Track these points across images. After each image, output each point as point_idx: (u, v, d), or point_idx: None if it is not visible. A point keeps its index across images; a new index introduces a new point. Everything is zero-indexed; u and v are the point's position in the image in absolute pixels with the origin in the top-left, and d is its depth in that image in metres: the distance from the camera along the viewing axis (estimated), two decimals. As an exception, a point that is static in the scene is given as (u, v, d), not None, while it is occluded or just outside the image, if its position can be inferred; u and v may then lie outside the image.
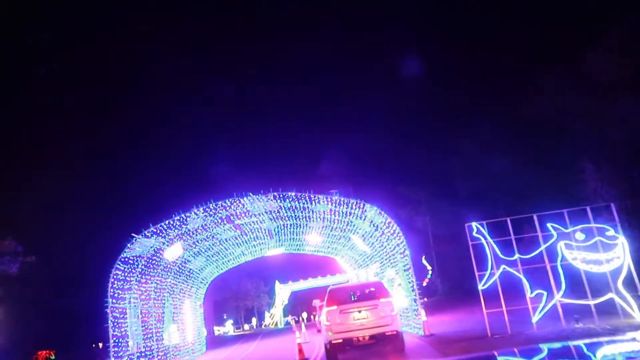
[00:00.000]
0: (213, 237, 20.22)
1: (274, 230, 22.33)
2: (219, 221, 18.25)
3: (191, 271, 23.60)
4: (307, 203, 17.50)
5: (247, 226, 20.49)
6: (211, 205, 16.32)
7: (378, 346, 11.67)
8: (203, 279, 27.08)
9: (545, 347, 3.73)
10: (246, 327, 70.83)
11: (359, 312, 11.31)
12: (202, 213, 16.76)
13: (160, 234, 16.67)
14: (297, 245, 27.11)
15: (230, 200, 16.45)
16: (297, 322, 50.16)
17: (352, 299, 12.29)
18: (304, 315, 55.11)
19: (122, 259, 15.92)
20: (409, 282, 16.15)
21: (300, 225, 21.74)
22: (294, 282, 62.51)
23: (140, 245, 16.30)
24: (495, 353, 3.56)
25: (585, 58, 25.47)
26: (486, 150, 32.14)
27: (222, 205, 16.63)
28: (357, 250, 24.95)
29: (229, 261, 26.81)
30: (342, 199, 16.74)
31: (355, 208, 17.22)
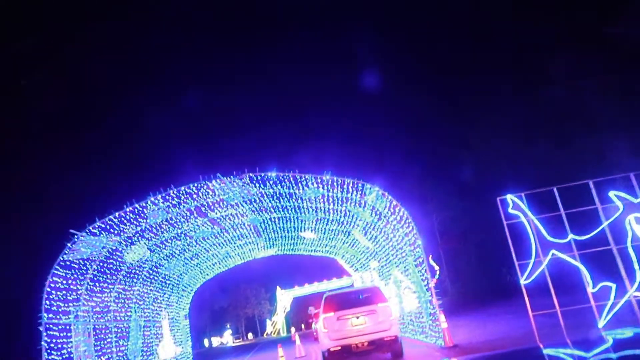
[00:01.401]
0: (185, 235, 17.00)
1: (260, 225, 19.08)
2: (187, 214, 15.02)
3: (167, 278, 20.37)
4: (293, 187, 14.27)
5: (225, 221, 17.26)
6: (172, 191, 13.09)
7: (376, 352, 11.57)
8: (185, 287, 23.84)
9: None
10: (250, 336, 67.55)
11: (357, 318, 11.18)
12: (163, 203, 13.54)
13: (112, 230, 13.46)
14: (290, 244, 23.86)
15: (196, 184, 13.22)
16: (298, 331, 46.82)
17: (349, 305, 11.78)
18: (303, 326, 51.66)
19: (62, 263, 12.69)
20: (422, 280, 12.87)
21: (289, 218, 18.49)
22: (297, 287, 59.30)
23: (85, 244, 13.08)
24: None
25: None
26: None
27: (186, 192, 13.40)
28: (359, 248, 21.68)
29: (213, 265, 23.58)
30: (336, 180, 13.49)
31: (353, 191, 13.97)
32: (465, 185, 32.93)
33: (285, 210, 17.10)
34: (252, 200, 15.44)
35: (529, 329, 9.25)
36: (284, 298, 59.80)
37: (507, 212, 9.53)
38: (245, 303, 62.82)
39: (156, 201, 13.29)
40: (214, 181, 13.16)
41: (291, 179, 13.55)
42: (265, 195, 15.05)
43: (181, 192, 13.34)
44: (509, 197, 9.62)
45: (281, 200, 15.49)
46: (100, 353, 14.30)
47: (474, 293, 32.28)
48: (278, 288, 60.10)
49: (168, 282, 20.79)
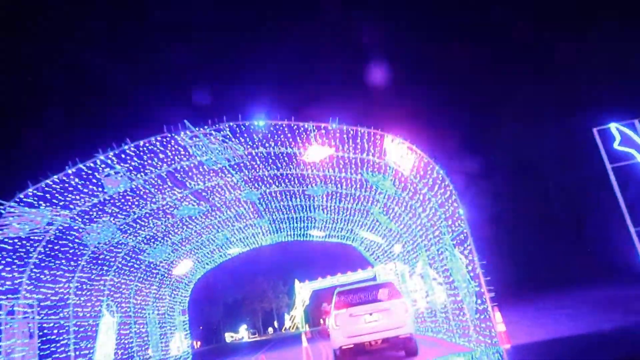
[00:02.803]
0: (165, 212, 13.84)
1: (260, 203, 15.81)
2: (159, 182, 11.82)
3: (153, 266, 17.32)
4: (290, 145, 10.90)
5: (214, 195, 14.04)
6: (127, 148, 9.84)
7: (389, 350, 11.28)
8: (181, 278, 20.82)
9: None
10: (270, 330, 64.91)
11: (370, 314, 10.74)
12: (119, 165, 10.33)
13: (55, 201, 10.34)
14: (300, 229, 20.58)
15: (159, 138, 9.93)
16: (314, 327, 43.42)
17: (362, 301, 11.20)
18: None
19: (-15, 242, 9.64)
20: (467, 264, 9.37)
21: (294, 193, 15.17)
22: (317, 279, 56.13)
23: (19, 219, 10.00)
24: None
25: None
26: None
27: (148, 150, 10.14)
28: (380, 231, 18.24)
29: (211, 253, 20.48)
30: (346, 130, 10.04)
31: (370, 146, 10.49)
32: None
33: (286, 181, 13.76)
34: (242, 165, 12.13)
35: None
36: (303, 291, 56.79)
37: (613, 148, 5.97)
38: (262, 296, 59.94)
39: (109, 161, 10.08)
40: (182, 134, 9.87)
41: (286, 130, 10.16)
42: (257, 157, 11.71)
43: (141, 150, 10.10)
44: (614, 127, 6.04)
45: (278, 164, 12.12)
46: (50, 359, 11.29)
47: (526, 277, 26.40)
48: (296, 281, 57.16)
49: (156, 272, 17.75)
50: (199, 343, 73.16)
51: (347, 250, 27.43)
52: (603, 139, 6.08)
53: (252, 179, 13.31)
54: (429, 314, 15.24)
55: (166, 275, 18.94)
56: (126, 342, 15.39)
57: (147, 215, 13.48)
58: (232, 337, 53.64)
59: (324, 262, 52.32)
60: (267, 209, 16.85)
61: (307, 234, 21.91)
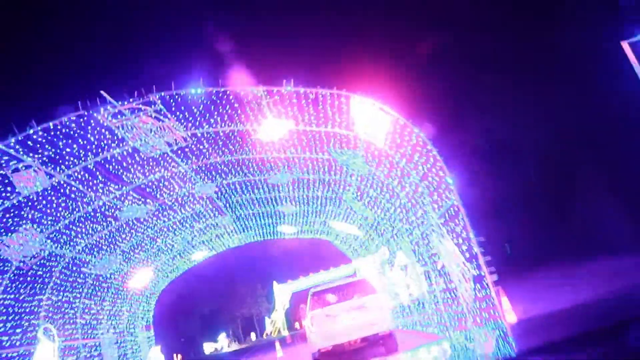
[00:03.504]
0: (105, 215, 11.84)
1: (219, 197, 13.96)
2: (88, 178, 9.86)
3: (102, 279, 15.23)
4: (239, 122, 9.12)
5: (162, 192, 12.14)
6: (32, 132, 7.84)
7: (369, 348, 10.89)
8: (141, 290, 18.70)
9: None
10: (253, 337, 62.63)
11: (347, 312, 10.30)
12: (27, 157, 8.32)
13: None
14: (268, 225, 18.80)
15: (74, 116, 7.95)
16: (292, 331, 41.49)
17: (337, 300, 10.90)
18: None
19: None
20: (460, 244, 7.79)
21: (255, 184, 13.38)
22: (297, 279, 54.29)
23: None
24: None
25: None
26: None
27: (62, 133, 8.16)
28: (356, 220, 16.63)
29: (172, 259, 18.48)
30: (305, 94, 8.32)
31: (335, 114, 8.80)
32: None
33: (244, 168, 11.96)
34: (187, 151, 10.28)
35: None
36: (282, 293, 54.87)
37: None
38: (241, 303, 57.65)
39: (12, 151, 8.08)
40: (102, 110, 7.95)
41: (232, 99, 8.38)
42: (204, 140, 9.88)
43: (53, 134, 8.13)
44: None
45: (230, 146, 10.33)
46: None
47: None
48: (274, 283, 55.18)
49: (105, 285, 15.65)
50: (179, 356, 70.34)
51: (325, 246, 25.81)
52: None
53: (203, 168, 11.46)
54: (417, 307, 13.72)
55: (121, 288, 16.85)
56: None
57: (83, 219, 11.45)
58: (212, 347, 51.26)
59: (302, 262, 50.45)
60: (228, 205, 15.02)
61: (277, 231, 20.14)
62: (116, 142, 9.07)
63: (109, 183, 10.38)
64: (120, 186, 10.74)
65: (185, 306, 48.60)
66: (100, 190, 10.51)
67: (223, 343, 54.99)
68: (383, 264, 17.20)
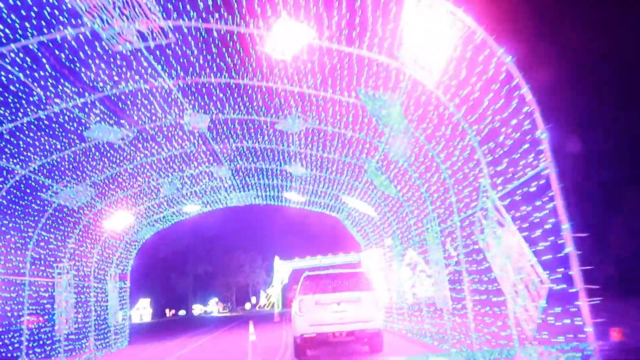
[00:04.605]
0: (65, 130, 9.40)
1: (213, 137, 11.40)
2: (35, 68, 7.35)
3: (68, 211, 12.94)
4: (240, 20, 6.45)
5: (141, 112, 9.62)
6: None
7: (354, 344, 10.80)
8: (119, 235, 16.46)
9: None
10: (248, 306, 61.16)
11: (338, 304, 10.00)
12: None
13: None
14: (272, 187, 16.29)
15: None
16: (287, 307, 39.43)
17: (330, 289, 10.56)
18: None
19: None
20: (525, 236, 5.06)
21: (259, 127, 10.77)
22: (297, 258, 52.30)
23: None
24: None
25: None
26: None
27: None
28: (375, 199, 13.95)
29: (157, 206, 16.14)
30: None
31: (376, 20, 6.05)
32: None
33: (245, 101, 9.32)
34: (170, 56, 7.66)
35: None
36: (282, 269, 52.96)
37: None
38: (238, 270, 55.82)
39: None
40: None
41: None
42: (192, 43, 7.24)
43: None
44: None
45: (228, 61, 7.66)
46: None
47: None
48: (276, 258, 53.29)
49: (71, 219, 13.38)
50: (172, 312, 69.66)
51: (337, 228, 23.34)
52: None
53: (192, 89, 8.87)
54: (426, 310, 11.08)
55: (92, 227, 14.60)
56: (9, 308, 11.12)
57: (33, 129, 9.03)
58: (201, 310, 49.73)
59: (309, 241, 48.24)
60: (224, 152, 12.49)
61: (282, 197, 17.63)
62: (68, 16, 6.51)
63: (63, 81, 7.86)
64: (80, 90, 8.23)
65: (178, 263, 46.97)
66: (53, 90, 8.01)
67: (213, 308, 53.45)
68: (394, 258, 14.61)
